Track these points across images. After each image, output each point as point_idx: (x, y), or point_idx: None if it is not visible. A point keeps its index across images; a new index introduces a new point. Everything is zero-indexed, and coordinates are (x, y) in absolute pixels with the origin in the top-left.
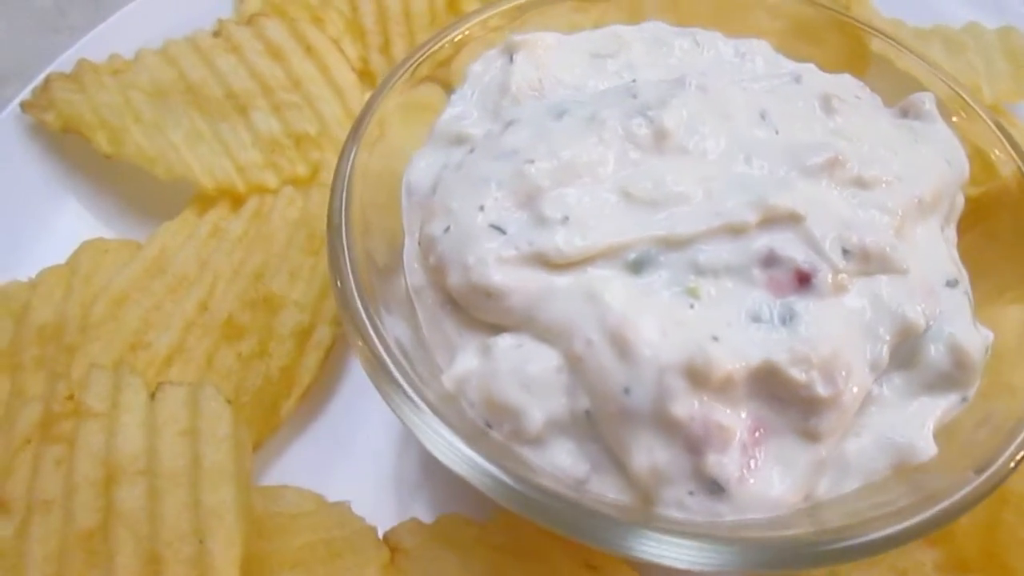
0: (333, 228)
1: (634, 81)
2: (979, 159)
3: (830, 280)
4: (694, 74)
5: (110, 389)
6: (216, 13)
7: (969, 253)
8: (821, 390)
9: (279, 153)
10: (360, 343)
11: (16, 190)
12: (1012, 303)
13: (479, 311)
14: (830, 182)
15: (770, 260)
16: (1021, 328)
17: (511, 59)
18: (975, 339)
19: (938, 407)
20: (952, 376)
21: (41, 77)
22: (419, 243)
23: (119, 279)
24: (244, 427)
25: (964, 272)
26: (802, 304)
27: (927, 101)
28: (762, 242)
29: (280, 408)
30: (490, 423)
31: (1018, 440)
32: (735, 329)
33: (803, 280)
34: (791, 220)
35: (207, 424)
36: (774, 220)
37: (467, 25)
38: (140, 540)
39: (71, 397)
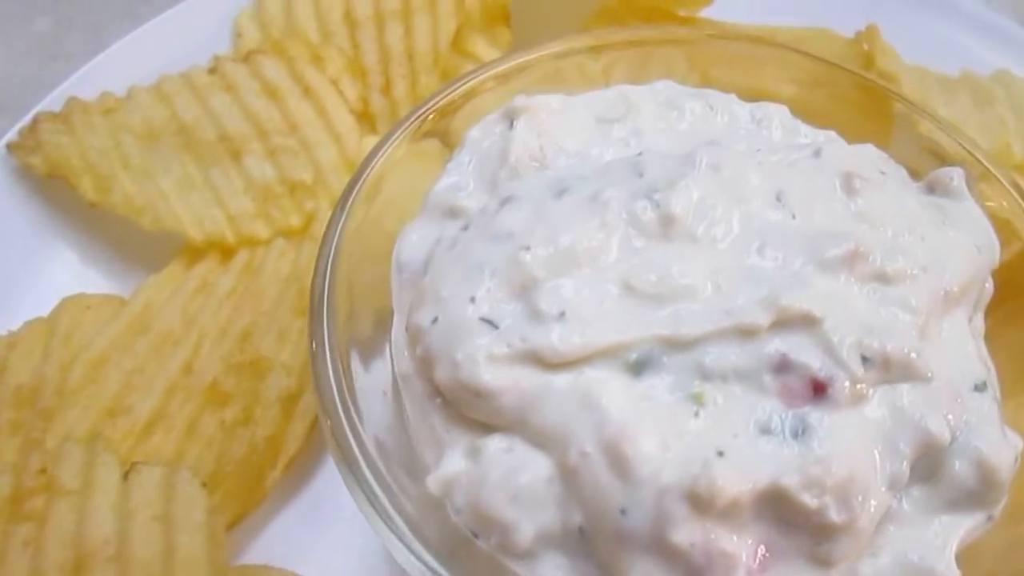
0: (314, 310)
1: (640, 154)
2: (1001, 232)
3: (848, 390)
4: (705, 148)
5: (83, 466)
6: (214, 48)
7: (994, 338)
8: (835, 516)
9: (272, 202)
10: (334, 444)
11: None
12: None
13: (468, 409)
14: (850, 277)
15: (783, 366)
16: None
17: (511, 125)
18: (1004, 451)
19: (962, 526)
20: (978, 493)
21: (29, 116)
22: (407, 330)
23: (100, 339)
24: (219, 515)
25: (992, 368)
26: (816, 416)
27: (955, 177)
28: (775, 346)
29: (265, 479)
30: (476, 533)
31: None
32: (742, 442)
33: (819, 390)
34: (806, 323)
35: (181, 509)
36: (788, 322)
37: (474, 79)
38: None
39: (44, 471)
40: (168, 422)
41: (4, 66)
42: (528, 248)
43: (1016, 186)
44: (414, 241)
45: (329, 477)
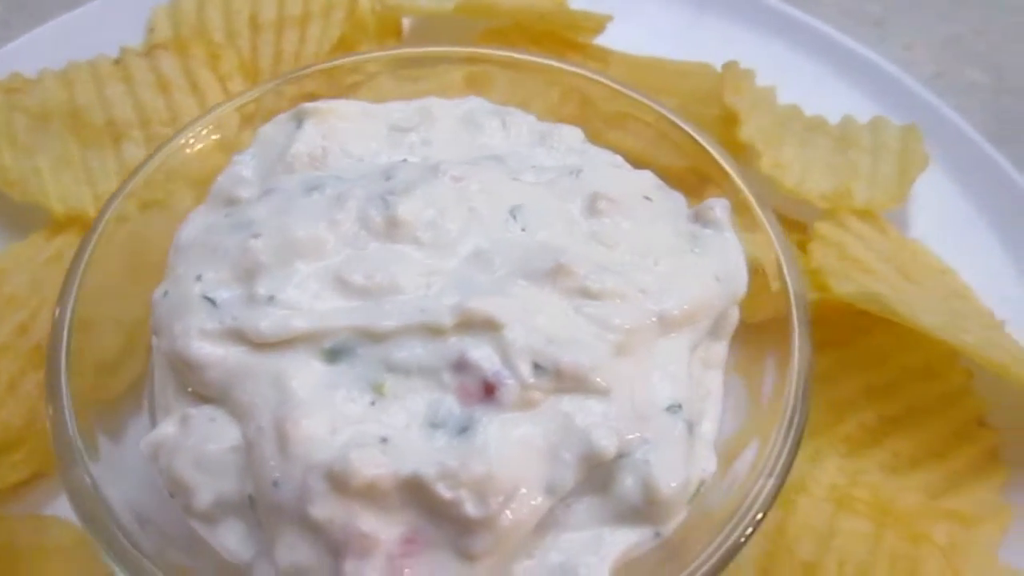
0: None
1: (403, 161)
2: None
3: (516, 395)
4: (452, 162)
5: None
6: (130, 40)
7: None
8: (471, 511)
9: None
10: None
11: None
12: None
13: (186, 380)
14: (553, 290)
15: (461, 366)
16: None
17: (299, 125)
18: (677, 473)
19: (625, 540)
20: (642, 510)
21: None
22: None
23: None
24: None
25: (714, 388)
26: (483, 416)
27: (717, 208)
28: (457, 346)
29: None
30: (172, 493)
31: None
32: (410, 433)
33: (489, 391)
34: (488, 327)
35: None
36: (472, 325)
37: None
38: None
39: None
40: None
41: None
42: (258, 236)
43: (778, 230)
44: (191, 226)
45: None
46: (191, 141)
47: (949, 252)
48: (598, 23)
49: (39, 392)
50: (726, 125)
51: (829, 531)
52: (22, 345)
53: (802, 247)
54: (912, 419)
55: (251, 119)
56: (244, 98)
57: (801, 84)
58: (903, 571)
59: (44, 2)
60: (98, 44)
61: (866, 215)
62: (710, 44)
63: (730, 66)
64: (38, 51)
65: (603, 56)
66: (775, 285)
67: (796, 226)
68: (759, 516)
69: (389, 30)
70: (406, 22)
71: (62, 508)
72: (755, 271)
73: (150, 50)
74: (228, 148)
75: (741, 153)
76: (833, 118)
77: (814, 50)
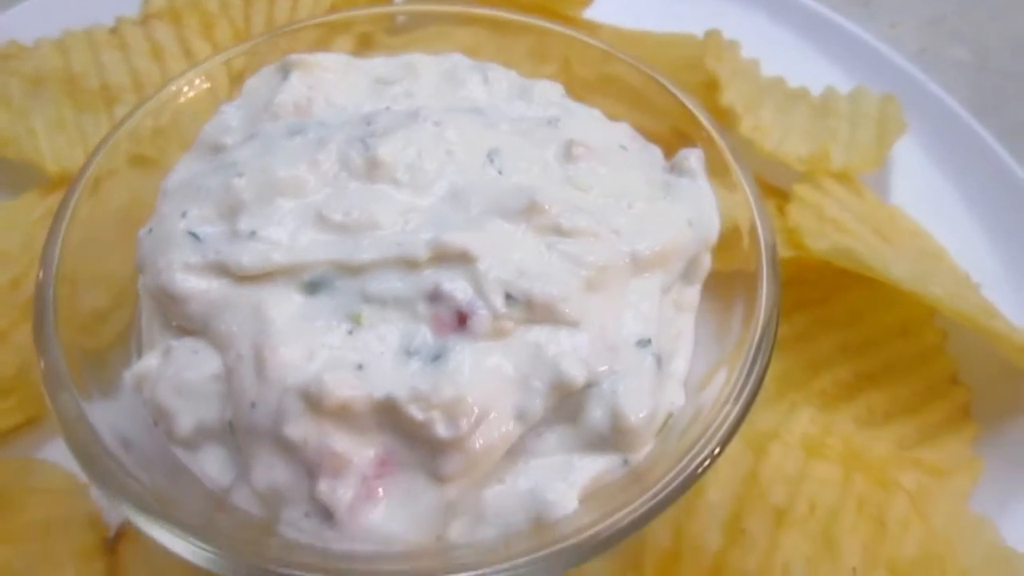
0: (52, 232)
1: (387, 108)
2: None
3: (488, 324)
4: (432, 108)
5: None
6: (124, 10)
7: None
8: (441, 432)
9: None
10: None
11: None
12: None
13: (170, 314)
14: (527, 227)
15: (435, 296)
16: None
17: (286, 76)
18: (644, 404)
19: (594, 467)
20: (609, 438)
21: None
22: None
23: None
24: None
25: (685, 330)
26: (456, 344)
27: (692, 157)
28: (432, 278)
29: None
30: (155, 421)
31: (648, 498)
32: (385, 359)
33: (462, 321)
34: (462, 260)
35: None
36: (446, 258)
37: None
38: None
39: None
40: None
41: None
42: (241, 175)
43: (754, 186)
44: (179, 171)
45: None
46: (180, 93)
47: (927, 218)
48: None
49: (30, 343)
50: (708, 91)
51: (800, 476)
52: (14, 299)
53: (780, 210)
54: (886, 375)
55: (241, 76)
56: (232, 51)
57: (786, 58)
58: (870, 514)
59: None
60: (94, 15)
61: (843, 178)
62: (696, 18)
63: (712, 33)
64: (34, 21)
65: (591, 28)
66: (748, 237)
67: (775, 192)
68: (718, 448)
69: (378, 1)
70: None
71: (51, 453)
72: (730, 225)
73: (145, 19)
74: (216, 103)
75: (722, 118)
76: (816, 91)
77: (799, 25)
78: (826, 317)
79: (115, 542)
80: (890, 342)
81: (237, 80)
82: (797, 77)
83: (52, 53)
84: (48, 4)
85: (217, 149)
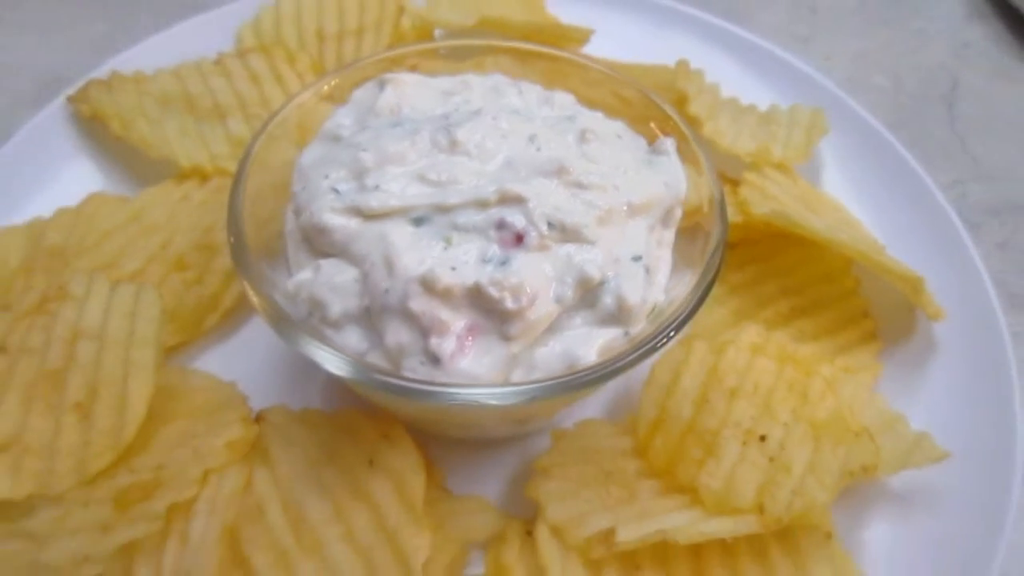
0: (233, 194)
1: (456, 110)
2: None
3: (536, 242)
4: (494, 109)
5: (87, 284)
6: (221, 47)
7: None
8: (509, 304)
9: (241, 148)
10: (244, 282)
11: (55, 154)
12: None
13: (317, 243)
14: (559, 182)
15: (501, 225)
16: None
17: (382, 88)
18: (638, 294)
19: (604, 335)
20: (616, 316)
21: (84, 80)
22: (291, 199)
23: (110, 221)
24: (171, 314)
25: (661, 255)
26: (516, 255)
27: (667, 143)
28: (499, 214)
29: (205, 321)
30: (311, 312)
31: (638, 345)
32: (468, 265)
33: (519, 239)
34: (518, 201)
35: (143, 309)
36: (506, 200)
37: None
38: (88, 377)
39: (61, 287)
40: (146, 277)
41: (68, 54)
42: (365, 151)
43: (712, 167)
44: (309, 154)
45: (249, 328)
46: (296, 106)
47: (847, 200)
48: (584, 34)
49: (183, 286)
50: (679, 105)
51: (747, 368)
52: (166, 256)
53: (734, 191)
54: (814, 309)
55: (330, 96)
56: (324, 80)
57: (740, 84)
58: (797, 391)
59: (138, 22)
60: (198, 51)
61: (781, 167)
62: (669, 53)
63: (682, 62)
64: (151, 56)
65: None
66: (707, 204)
67: (729, 180)
68: (682, 323)
69: (425, 39)
70: (437, 33)
71: (201, 365)
72: (696, 197)
73: (241, 53)
74: (313, 113)
75: (690, 123)
76: (763, 107)
77: (751, 58)
78: (770, 268)
79: (256, 420)
80: (817, 286)
81: (327, 98)
82: (748, 97)
83: (171, 80)
84: (161, 42)
85: (336, 138)
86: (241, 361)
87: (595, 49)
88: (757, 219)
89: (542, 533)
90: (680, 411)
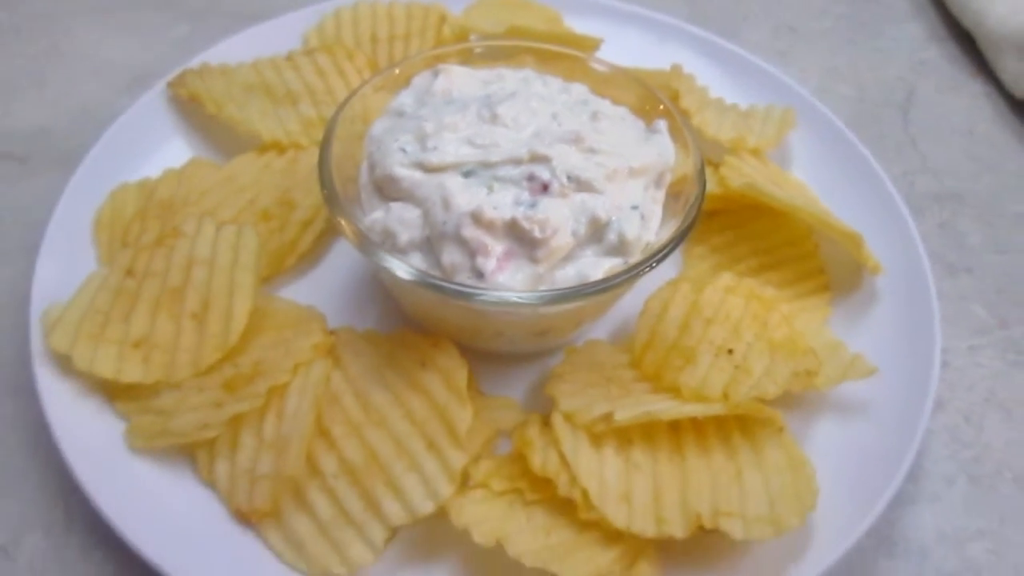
0: (322, 158)
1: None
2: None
3: (558, 190)
4: (526, 92)
5: (197, 224)
6: (290, 47)
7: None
8: (537, 234)
9: (312, 127)
10: (338, 218)
11: (158, 129)
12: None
13: (388, 191)
14: (576, 148)
15: (532, 177)
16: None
17: (435, 76)
18: (635, 232)
19: (608, 263)
20: (618, 248)
21: (180, 70)
22: (367, 158)
23: (206, 181)
24: (262, 251)
25: (654, 208)
26: (543, 200)
27: (661, 124)
28: (529, 169)
29: (285, 262)
30: (382, 241)
31: (632, 268)
32: (507, 206)
33: (545, 188)
34: (544, 160)
35: (244, 243)
36: (536, 159)
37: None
38: (201, 294)
39: (176, 228)
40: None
41: (155, 52)
42: (427, 121)
43: (697, 144)
44: (378, 126)
45: (323, 268)
46: (363, 93)
47: (811, 183)
48: (594, 43)
49: (267, 233)
50: (672, 101)
51: (720, 303)
52: (254, 209)
53: (715, 170)
54: (779, 266)
55: (384, 87)
56: (382, 74)
57: (726, 88)
58: (759, 320)
59: (214, 26)
60: (268, 51)
61: (755, 153)
62: (666, 61)
63: (675, 66)
64: (232, 53)
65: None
66: (693, 173)
67: (712, 162)
68: (666, 254)
69: (463, 40)
70: (473, 37)
71: (283, 293)
72: (683, 170)
73: (307, 52)
74: (381, 97)
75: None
76: (743, 106)
77: (736, 68)
78: (744, 233)
79: (333, 333)
80: (782, 248)
81: (382, 88)
82: (732, 98)
83: (251, 71)
84: (237, 43)
85: (400, 113)
86: (314, 292)
87: (603, 55)
88: (734, 191)
89: (557, 419)
90: (667, 334)
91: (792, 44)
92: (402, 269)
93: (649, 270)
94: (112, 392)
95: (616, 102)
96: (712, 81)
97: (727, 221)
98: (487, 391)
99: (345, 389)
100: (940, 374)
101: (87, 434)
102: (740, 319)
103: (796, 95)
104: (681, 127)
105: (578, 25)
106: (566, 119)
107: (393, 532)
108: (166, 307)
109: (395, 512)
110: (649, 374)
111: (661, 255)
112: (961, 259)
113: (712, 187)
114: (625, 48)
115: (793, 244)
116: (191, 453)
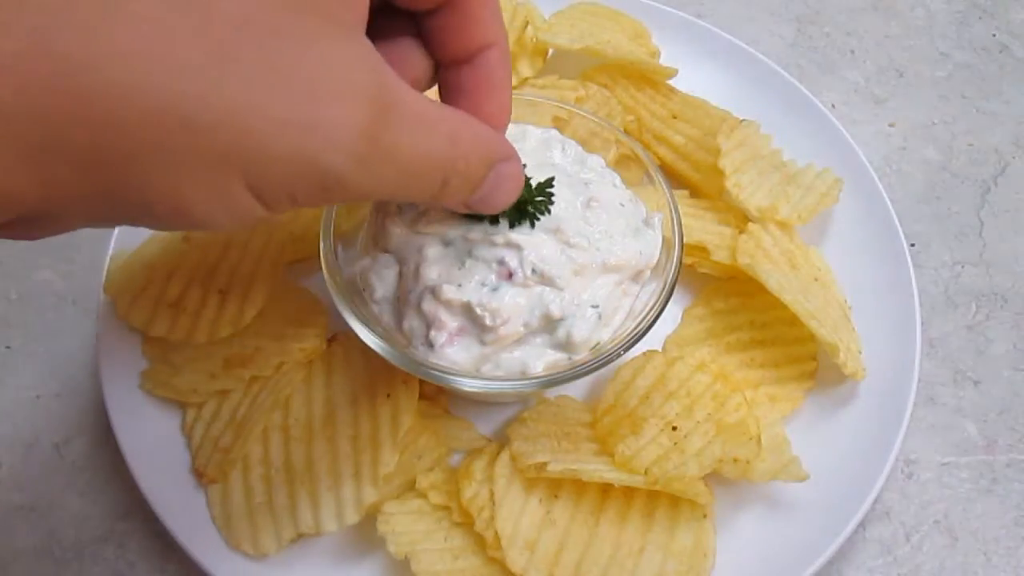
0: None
1: None
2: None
3: (521, 280)
4: (532, 163)
5: None
6: None
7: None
8: (488, 322)
9: None
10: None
11: None
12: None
13: (380, 241)
14: (554, 240)
15: (501, 262)
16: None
17: None
18: (584, 336)
19: (552, 356)
20: (564, 345)
21: None
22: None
23: None
24: (287, 245)
25: (622, 302)
26: (504, 285)
27: (655, 218)
28: (502, 253)
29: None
30: (363, 289)
31: (571, 367)
32: (471, 285)
33: (510, 276)
34: (517, 248)
35: (274, 235)
36: (510, 245)
37: None
38: (230, 274)
39: None
40: None
41: None
42: None
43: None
44: None
45: None
46: None
47: (835, 265)
48: (668, 73)
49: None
50: (713, 155)
51: (687, 379)
52: None
53: (740, 229)
54: (771, 343)
55: None
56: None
57: (791, 143)
58: (718, 400)
59: None
60: None
61: (783, 225)
62: (742, 103)
63: (727, 118)
64: None
65: (668, 91)
66: (673, 261)
67: (740, 215)
68: (592, 370)
69: (539, 53)
70: (550, 51)
71: (310, 282)
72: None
73: None
74: None
75: (718, 174)
76: (801, 164)
77: (812, 125)
78: (748, 303)
79: (329, 341)
80: (778, 327)
81: None
82: (792, 153)
83: None
84: None
85: None
86: None
87: (680, 83)
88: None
89: (503, 455)
90: (628, 402)
91: (894, 90)
92: (363, 333)
93: (587, 373)
94: (145, 336)
95: (628, 182)
96: (778, 130)
97: (736, 288)
98: (461, 413)
99: (319, 396)
100: (900, 485)
101: (123, 363)
102: (699, 397)
103: (859, 164)
104: (675, 225)
105: (667, 48)
106: (559, 202)
107: (299, 536)
108: (200, 279)
109: (305, 520)
110: (600, 437)
111: (589, 367)
112: (974, 368)
113: (724, 256)
114: (702, 82)
115: (792, 325)
116: (183, 407)
